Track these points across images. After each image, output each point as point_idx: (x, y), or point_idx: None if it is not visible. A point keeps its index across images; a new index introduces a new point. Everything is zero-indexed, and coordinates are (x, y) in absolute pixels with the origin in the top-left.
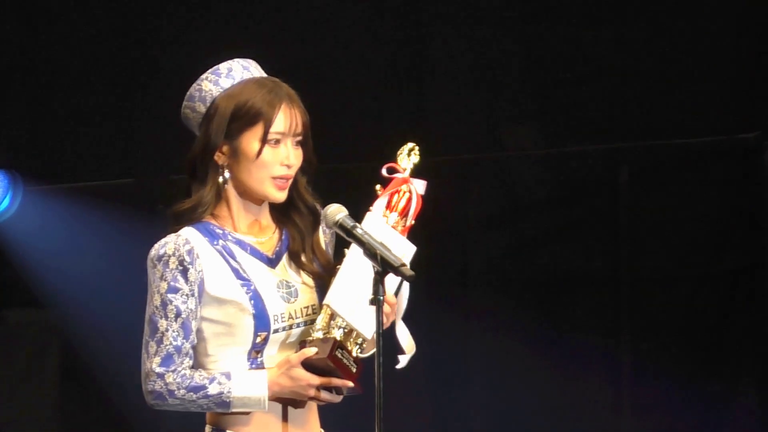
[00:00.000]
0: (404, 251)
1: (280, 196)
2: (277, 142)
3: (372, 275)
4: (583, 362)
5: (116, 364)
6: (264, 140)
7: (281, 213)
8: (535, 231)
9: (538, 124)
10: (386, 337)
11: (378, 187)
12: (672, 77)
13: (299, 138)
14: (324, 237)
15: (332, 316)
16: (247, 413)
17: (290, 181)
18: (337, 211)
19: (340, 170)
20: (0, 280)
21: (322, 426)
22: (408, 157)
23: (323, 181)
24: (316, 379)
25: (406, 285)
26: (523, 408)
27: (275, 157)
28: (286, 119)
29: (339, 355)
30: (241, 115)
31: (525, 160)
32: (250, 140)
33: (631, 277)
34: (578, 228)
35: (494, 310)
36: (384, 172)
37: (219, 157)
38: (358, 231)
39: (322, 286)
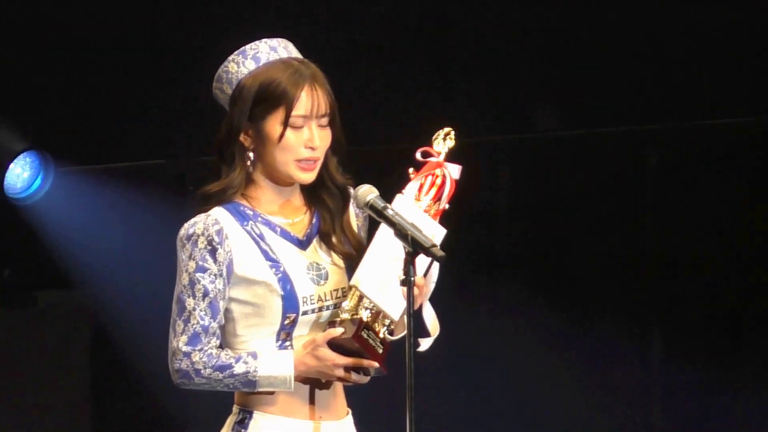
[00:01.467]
0: (433, 233)
1: (306, 177)
2: (300, 125)
3: (399, 257)
4: (612, 346)
5: (147, 345)
6: (285, 123)
7: (312, 193)
8: (562, 214)
9: (566, 106)
10: (414, 320)
11: (411, 170)
12: (701, 58)
13: (324, 119)
14: (357, 221)
15: (360, 297)
16: (273, 393)
17: (318, 163)
18: (367, 192)
19: (367, 153)
20: (31, 261)
21: (350, 406)
22: (443, 141)
23: (353, 164)
24: (341, 359)
25: (435, 266)
26: (552, 391)
27: (298, 139)
28: (308, 102)
29: (365, 336)
30: (264, 99)
31: (552, 143)
32: (273, 124)
33: (659, 261)
34: (606, 210)
35: (521, 295)
36: (418, 156)
37: (245, 140)
38: (389, 212)
39: (352, 267)
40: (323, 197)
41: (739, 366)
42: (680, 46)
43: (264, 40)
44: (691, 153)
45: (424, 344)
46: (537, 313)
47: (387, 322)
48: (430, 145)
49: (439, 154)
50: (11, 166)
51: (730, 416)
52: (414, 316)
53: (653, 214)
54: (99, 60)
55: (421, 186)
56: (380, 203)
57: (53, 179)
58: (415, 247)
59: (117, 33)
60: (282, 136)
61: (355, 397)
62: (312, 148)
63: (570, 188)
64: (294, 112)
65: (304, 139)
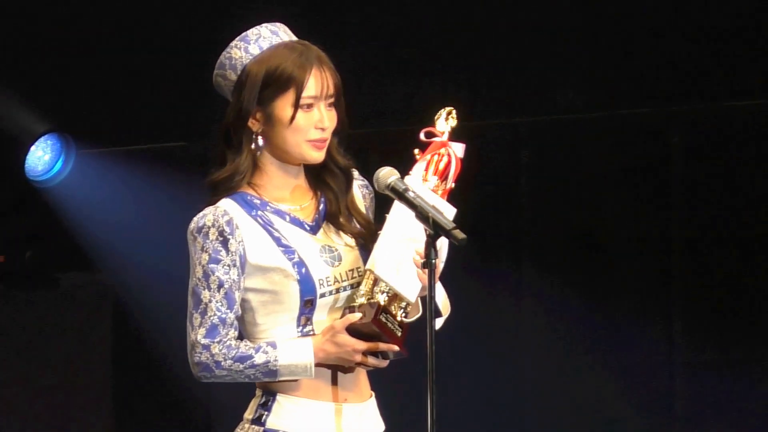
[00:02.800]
0: (444, 213)
1: (318, 156)
2: (310, 106)
3: (414, 238)
4: (634, 326)
5: (169, 326)
6: (296, 105)
7: (315, 176)
8: (586, 196)
9: (590, 87)
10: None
11: (416, 151)
12: (725, 40)
13: (331, 100)
14: (364, 202)
15: (375, 281)
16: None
17: (327, 143)
18: (388, 174)
19: (384, 134)
20: (53, 244)
21: (372, 389)
22: (446, 120)
23: (370, 145)
24: (361, 345)
25: (444, 245)
26: (574, 372)
27: (309, 121)
28: (318, 83)
29: (383, 320)
30: (273, 81)
31: (576, 124)
32: (284, 106)
33: (683, 242)
34: (629, 192)
35: (543, 276)
36: (422, 136)
37: (253, 124)
38: (410, 194)
39: (365, 246)
40: (326, 179)
41: (762, 347)
42: (704, 26)
43: (264, 24)
44: (715, 134)
45: (436, 324)
46: (559, 293)
47: (403, 304)
48: (433, 124)
49: (442, 133)
50: (32, 148)
51: (752, 397)
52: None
53: (677, 196)
54: (120, 41)
55: (427, 166)
56: (401, 186)
57: (74, 161)
58: (436, 229)
59: (139, 14)
60: (293, 117)
61: (378, 380)
62: (322, 129)
63: (594, 170)
64: (304, 94)
65: (314, 120)
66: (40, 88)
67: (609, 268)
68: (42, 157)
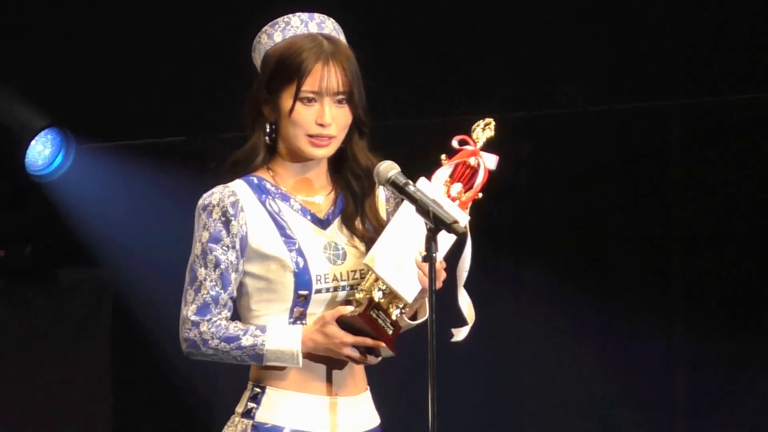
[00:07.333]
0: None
1: (317, 153)
2: (312, 100)
3: (417, 238)
4: (634, 322)
5: (168, 322)
6: (295, 98)
7: (338, 174)
8: (585, 191)
9: (589, 82)
10: (440, 308)
11: (443, 156)
12: (724, 34)
13: (341, 97)
14: (387, 205)
15: (376, 277)
16: (287, 369)
17: (334, 141)
18: (389, 168)
19: (390, 128)
20: (52, 239)
21: (370, 383)
22: (483, 131)
23: (375, 138)
24: (349, 338)
25: (468, 252)
26: (575, 368)
27: (309, 115)
28: (321, 78)
29: (374, 315)
30: (280, 72)
31: (575, 119)
32: (286, 97)
33: (682, 237)
34: (628, 187)
35: (542, 271)
36: (455, 143)
37: (266, 112)
38: (411, 188)
39: None
40: (348, 179)
41: (762, 343)
42: (702, 20)
43: (298, 13)
44: (714, 128)
45: (461, 334)
46: (559, 290)
47: (401, 304)
48: (469, 134)
49: (476, 143)
50: (32, 143)
51: (753, 393)
52: (441, 306)
53: (676, 191)
54: (120, 37)
55: (454, 173)
56: (402, 179)
57: (74, 156)
58: (436, 223)
59: (138, 10)
60: (292, 110)
61: (374, 374)
62: (322, 125)
63: (593, 164)
64: (304, 87)
65: (315, 115)
66: (39, 83)
67: (608, 263)
68: (42, 151)
